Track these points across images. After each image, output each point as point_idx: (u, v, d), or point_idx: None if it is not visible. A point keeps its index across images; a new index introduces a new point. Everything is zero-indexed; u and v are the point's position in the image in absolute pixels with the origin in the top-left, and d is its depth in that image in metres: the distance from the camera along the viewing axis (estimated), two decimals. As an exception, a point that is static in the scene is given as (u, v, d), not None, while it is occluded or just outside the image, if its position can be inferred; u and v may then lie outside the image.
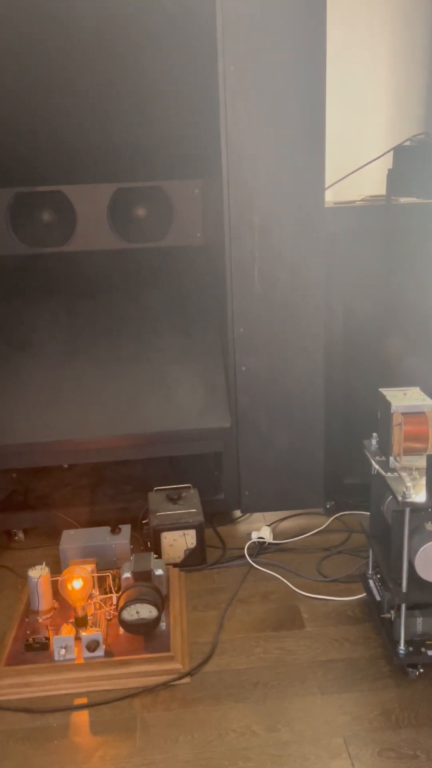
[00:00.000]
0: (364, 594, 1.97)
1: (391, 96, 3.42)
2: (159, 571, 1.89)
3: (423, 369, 2.35)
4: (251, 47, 2.01)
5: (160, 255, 2.88)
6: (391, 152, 2.24)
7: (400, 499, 1.56)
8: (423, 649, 1.66)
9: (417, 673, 1.68)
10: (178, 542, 2.17)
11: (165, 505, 2.25)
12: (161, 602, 1.79)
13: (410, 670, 1.68)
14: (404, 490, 1.57)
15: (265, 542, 2.30)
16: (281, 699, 1.65)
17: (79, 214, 2.80)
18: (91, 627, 1.76)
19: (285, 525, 2.47)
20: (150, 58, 2.23)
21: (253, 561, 2.21)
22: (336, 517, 2.47)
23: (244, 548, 2.26)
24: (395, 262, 2.24)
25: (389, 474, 1.68)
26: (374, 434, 1.85)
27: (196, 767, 1.47)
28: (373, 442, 1.85)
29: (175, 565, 2.15)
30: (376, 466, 1.72)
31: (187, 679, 1.71)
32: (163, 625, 1.82)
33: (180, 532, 2.16)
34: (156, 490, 2.33)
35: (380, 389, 1.81)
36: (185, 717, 1.60)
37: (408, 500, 1.55)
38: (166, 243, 2.89)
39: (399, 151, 2.12)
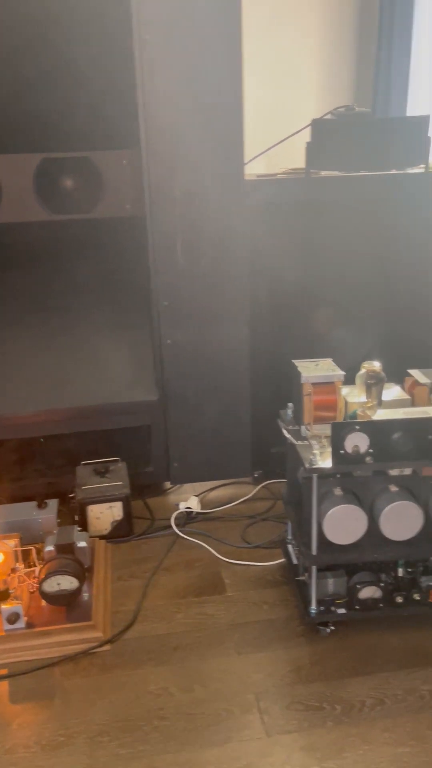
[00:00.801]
0: (284, 559, 2.04)
1: (321, 67, 3.43)
2: (82, 543, 1.91)
3: (347, 339, 2.41)
4: (166, 17, 1.98)
5: (90, 227, 2.85)
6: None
7: (307, 465, 1.61)
8: (333, 608, 1.74)
9: (328, 630, 1.76)
10: (105, 515, 2.19)
11: (92, 478, 2.26)
12: (83, 573, 1.82)
13: (321, 628, 1.76)
14: (311, 457, 1.63)
15: (192, 512, 2.35)
16: (199, 661, 1.71)
17: (4, 184, 2.73)
18: (13, 600, 1.78)
19: (214, 494, 2.52)
20: (67, 25, 2.19)
21: (179, 531, 2.25)
22: (263, 486, 2.54)
23: (171, 519, 2.30)
24: (316, 235, 2.27)
25: (300, 442, 1.73)
26: (289, 404, 1.90)
27: (112, 729, 1.52)
28: (289, 411, 1.90)
29: (102, 537, 2.18)
30: (287, 435, 1.77)
31: (107, 647, 1.75)
32: (85, 595, 1.85)
33: (106, 505, 2.18)
34: (83, 464, 2.34)
35: (293, 360, 1.85)
36: (104, 682, 1.65)
37: (315, 467, 1.61)
38: (96, 215, 2.86)
39: (316, 125, 2.14)
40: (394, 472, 1.67)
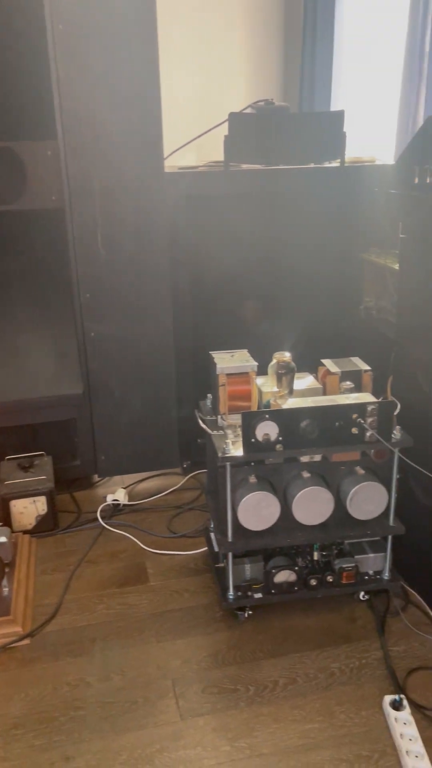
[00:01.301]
0: (207, 547, 2.07)
1: (249, 59, 3.45)
2: (2, 539, 1.90)
3: (271, 329, 2.45)
4: (80, 7, 1.97)
5: (13, 218, 2.80)
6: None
7: (220, 454, 1.64)
8: (250, 593, 1.78)
9: (246, 615, 1.80)
10: (29, 509, 2.18)
11: (16, 473, 2.24)
12: (2, 569, 1.81)
13: (239, 613, 1.80)
14: (224, 446, 1.66)
15: (120, 504, 2.36)
16: (118, 650, 1.72)
17: None
18: None
19: (143, 486, 2.53)
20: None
21: (105, 523, 2.26)
22: (192, 476, 2.56)
23: (97, 511, 2.31)
24: (237, 227, 2.30)
25: (215, 432, 1.76)
26: (209, 395, 1.93)
27: (28, 721, 1.52)
28: (208, 402, 1.93)
29: (26, 532, 2.17)
30: (203, 425, 1.80)
31: (27, 641, 1.75)
32: (5, 590, 1.84)
33: (30, 500, 2.17)
34: (8, 459, 2.32)
35: (210, 352, 1.88)
36: (22, 676, 1.65)
37: (227, 455, 1.64)
38: (20, 206, 2.81)
39: (233, 119, 2.16)
40: (305, 459, 1.71)
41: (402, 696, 1.52)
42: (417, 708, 1.52)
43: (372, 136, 2.83)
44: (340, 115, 2.25)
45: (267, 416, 1.62)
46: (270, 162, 2.27)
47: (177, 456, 2.54)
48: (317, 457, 1.73)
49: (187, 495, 2.46)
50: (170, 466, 2.56)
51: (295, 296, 2.43)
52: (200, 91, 3.41)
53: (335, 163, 2.31)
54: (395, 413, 1.84)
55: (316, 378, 1.90)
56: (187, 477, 2.56)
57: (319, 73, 3.11)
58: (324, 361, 1.91)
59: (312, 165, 2.35)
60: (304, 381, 1.88)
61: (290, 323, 2.47)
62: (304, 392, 1.83)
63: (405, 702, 1.50)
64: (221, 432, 1.77)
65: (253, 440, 1.63)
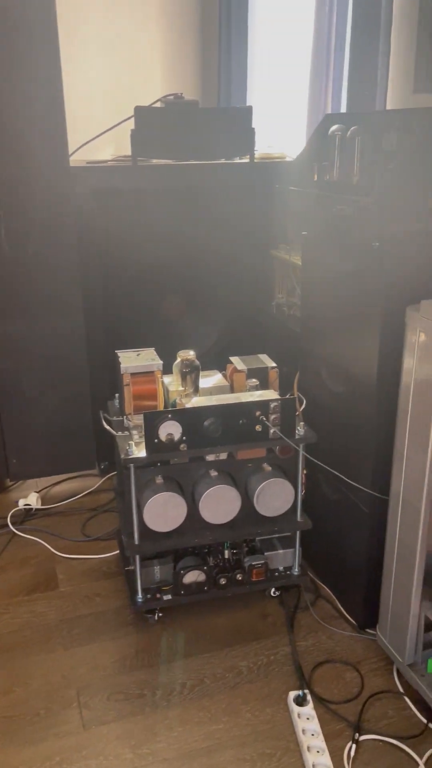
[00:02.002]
0: (119, 550, 2.03)
1: (167, 53, 3.41)
2: None
3: (186, 326, 2.43)
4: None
5: None
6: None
7: (123, 456, 1.61)
8: (159, 595, 1.76)
9: (156, 617, 1.78)
10: None
11: None
12: None
13: (149, 616, 1.78)
14: (127, 447, 1.62)
15: (32, 509, 2.29)
16: (23, 661, 1.67)
17: None
18: None
19: (58, 489, 2.47)
20: None
21: (16, 529, 2.19)
22: (109, 477, 2.52)
23: (7, 517, 2.23)
24: (147, 222, 2.26)
25: (120, 433, 1.73)
26: (116, 394, 1.89)
27: None
28: (116, 402, 1.89)
29: None
30: (107, 426, 1.76)
31: None
32: None
33: None
34: None
35: (116, 351, 1.84)
36: None
37: (130, 457, 1.61)
38: None
39: (139, 113, 2.12)
40: (210, 458, 1.70)
41: (306, 691, 1.53)
42: (320, 702, 1.53)
43: (286, 132, 2.85)
44: (248, 110, 2.24)
45: (170, 416, 1.59)
46: (180, 157, 2.24)
47: (94, 457, 2.48)
48: (223, 456, 1.71)
49: (104, 497, 2.41)
50: (87, 467, 2.50)
51: (210, 293, 2.42)
52: (118, 85, 3.35)
53: (245, 159, 2.30)
54: (300, 409, 1.85)
55: (225, 376, 1.89)
56: (105, 478, 2.51)
57: (235, 68, 3.10)
58: (232, 358, 1.90)
59: (223, 161, 2.33)
60: (211, 379, 1.86)
61: (205, 320, 2.46)
62: (212, 390, 1.81)
63: (308, 697, 1.52)
64: (126, 433, 1.73)
65: (156, 441, 1.60)
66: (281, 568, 1.86)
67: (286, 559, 1.86)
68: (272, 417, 1.66)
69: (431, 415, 1.34)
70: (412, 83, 1.82)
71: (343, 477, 1.69)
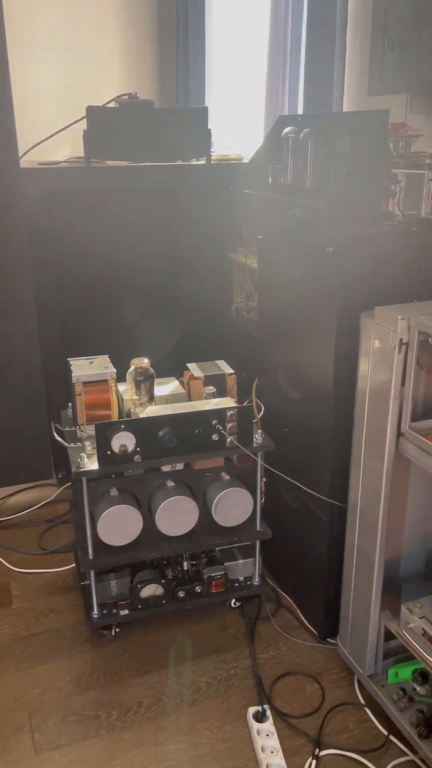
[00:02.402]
0: (75, 563, 1.97)
1: (122, 52, 3.36)
2: None
3: (143, 331, 2.38)
4: None
5: None
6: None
7: (74, 469, 1.55)
8: (115, 610, 1.71)
9: (113, 633, 1.73)
10: None
11: None
12: None
13: (105, 632, 1.72)
14: (79, 460, 1.57)
15: (-15, 521, 2.22)
16: (-27, 684, 1.60)
17: None
18: None
19: (14, 500, 2.39)
20: None
21: (-32, 543, 2.11)
22: (67, 487, 2.45)
23: (-41, 531, 2.16)
24: (103, 225, 2.21)
25: (72, 444, 1.67)
26: (70, 404, 1.83)
27: None
28: (69, 412, 1.83)
29: None
30: (57, 437, 1.70)
31: None
32: None
33: None
34: None
35: (68, 359, 1.78)
36: None
37: (82, 470, 1.55)
38: None
39: (92, 113, 2.06)
40: (166, 468, 1.65)
41: (265, 707, 1.49)
42: (281, 717, 1.50)
43: (244, 133, 2.82)
44: (203, 111, 2.20)
45: (122, 426, 1.54)
46: (134, 158, 2.19)
47: (51, 466, 2.41)
48: (180, 466, 1.67)
49: (62, 507, 2.34)
50: (44, 477, 2.43)
51: (169, 297, 2.37)
52: (75, 85, 3.27)
53: (202, 161, 2.26)
54: (259, 416, 1.82)
55: (183, 383, 1.85)
56: (63, 488, 2.44)
57: (193, 69, 3.06)
58: (189, 365, 1.86)
59: (179, 162, 2.29)
60: (168, 386, 1.82)
61: (164, 325, 2.41)
62: (168, 398, 1.77)
63: (268, 712, 1.48)
64: (79, 444, 1.67)
65: (109, 452, 1.55)
66: (241, 579, 1.83)
67: (247, 569, 1.83)
68: (229, 425, 1.62)
69: (387, 422, 1.32)
70: (366, 85, 1.80)
71: (300, 485, 1.66)
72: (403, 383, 1.29)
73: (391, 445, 1.33)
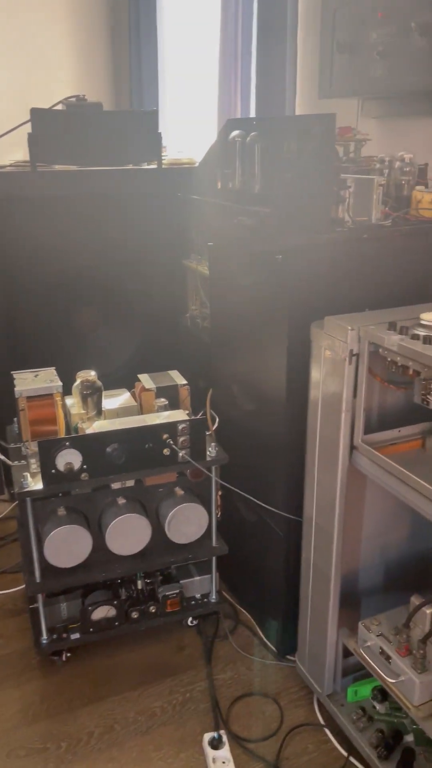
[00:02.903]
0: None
1: (74, 55, 3.28)
2: None
3: (96, 341, 2.30)
4: None
5: None
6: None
7: (17, 490, 1.48)
8: (66, 634, 1.63)
9: (63, 658, 1.65)
10: None
11: None
12: None
13: (55, 658, 1.65)
14: (22, 479, 1.49)
15: None
16: None
17: None
18: None
19: (-37, 518, 2.30)
20: None
21: None
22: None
23: None
24: (51, 232, 2.12)
25: (16, 462, 1.59)
26: (15, 419, 1.75)
27: None
28: (15, 428, 1.75)
29: None
30: (0, 456, 1.62)
31: None
32: None
33: None
34: None
35: (12, 372, 1.70)
36: None
37: (24, 490, 1.48)
38: None
39: (36, 115, 1.98)
40: (116, 485, 1.59)
41: (221, 732, 1.44)
42: (237, 741, 1.44)
43: (197, 136, 2.76)
44: (153, 114, 2.15)
45: (67, 444, 1.47)
46: (83, 162, 2.12)
47: (2, 482, 2.32)
48: (131, 482, 1.61)
49: (14, 524, 2.24)
50: (-5, 493, 2.34)
51: (123, 305, 2.30)
52: (25, 88, 3.19)
53: (154, 165, 2.20)
54: (213, 428, 1.77)
55: (134, 395, 1.78)
56: (15, 503, 2.35)
57: (146, 71, 3.00)
58: (140, 376, 1.80)
59: (131, 166, 2.22)
60: (118, 399, 1.75)
61: (119, 334, 2.33)
62: (118, 411, 1.70)
63: (224, 738, 1.42)
64: (23, 462, 1.60)
65: (53, 471, 1.48)
66: (198, 596, 1.77)
67: (203, 585, 1.77)
68: (181, 439, 1.56)
69: (339, 435, 1.28)
70: (317, 89, 1.77)
71: (253, 499, 1.61)
72: (355, 395, 1.25)
73: (344, 459, 1.29)
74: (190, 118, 2.88)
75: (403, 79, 1.45)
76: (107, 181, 2.16)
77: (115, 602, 1.65)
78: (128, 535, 1.58)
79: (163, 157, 2.23)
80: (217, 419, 1.75)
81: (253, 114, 2.34)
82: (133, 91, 3.10)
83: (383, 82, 1.52)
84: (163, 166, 2.21)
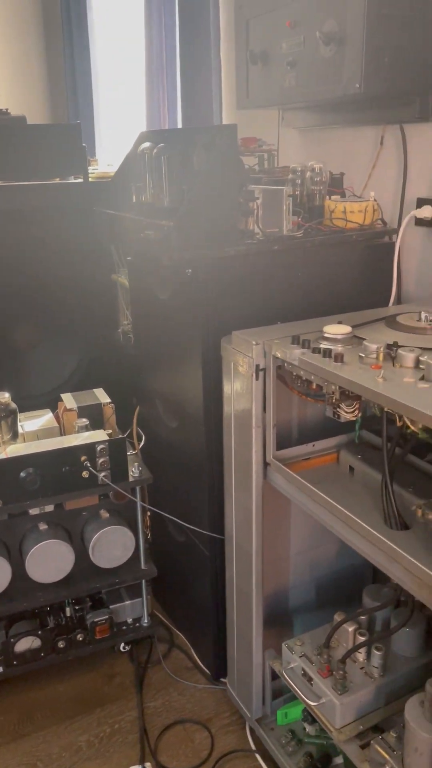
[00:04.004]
0: None
1: (8, 66, 3.23)
2: None
3: (27, 360, 2.24)
4: None
5: None
6: None
7: None
8: (-12, 669, 1.56)
9: (-13, 694, 1.58)
10: None
11: None
12: None
13: (-22, 694, 1.58)
14: None
15: None
16: None
17: None
18: None
19: None
20: None
21: None
22: None
23: None
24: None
25: None
26: None
27: None
28: None
29: None
30: None
31: None
32: None
33: None
34: None
35: None
36: None
37: None
38: None
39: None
40: (34, 511, 1.53)
41: (146, 765, 1.38)
42: (165, 773, 1.39)
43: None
44: (76, 127, 2.10)
45: (-22, 470, 1.41)
46: (6, 177, 2.06)
47: None
48: (50, 507, 1.55)
49: None
50: None
51: (54, 322, 2.23)
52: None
53: (80, 179, 2.16)
54: (139, 447, 1.72)
55: (57, 416, 1.73)
56: None
57: (80, 84, 2.96)
58: (63, 395, 1.74)
59: (57, 180, 2.18)
60: (39, 420, 1.69)
61: (51, 352, 2.27)
62: (38, 433, 1.64)
63: (149, 771, 1.37)
64: None
65: (-36, 499, 1.42)
66: (130, 620, 1.71)
67: (135, 609, 1.72)
68: (100, 460, 1.51)
69: (251, 450, 1.25)
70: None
71: (175, 519, 1.56)
72: (264, 410, 1.22)
73: (258, 476, 1.26)
74: (123, 130, 2.84)
75: (312, 89, 1.43)
76: (31, 196, 2.11)
77: (40, 632, 1.58)
78: (50, 561, 1.52)
79: (93, 171, 2.19)
80: (144, 437, 1.71)
81: (180, 125, 2.32)
82: (69, 104, 3.06)
83: (295, 92, 1.50)
84: (91, 180, 2.17)
